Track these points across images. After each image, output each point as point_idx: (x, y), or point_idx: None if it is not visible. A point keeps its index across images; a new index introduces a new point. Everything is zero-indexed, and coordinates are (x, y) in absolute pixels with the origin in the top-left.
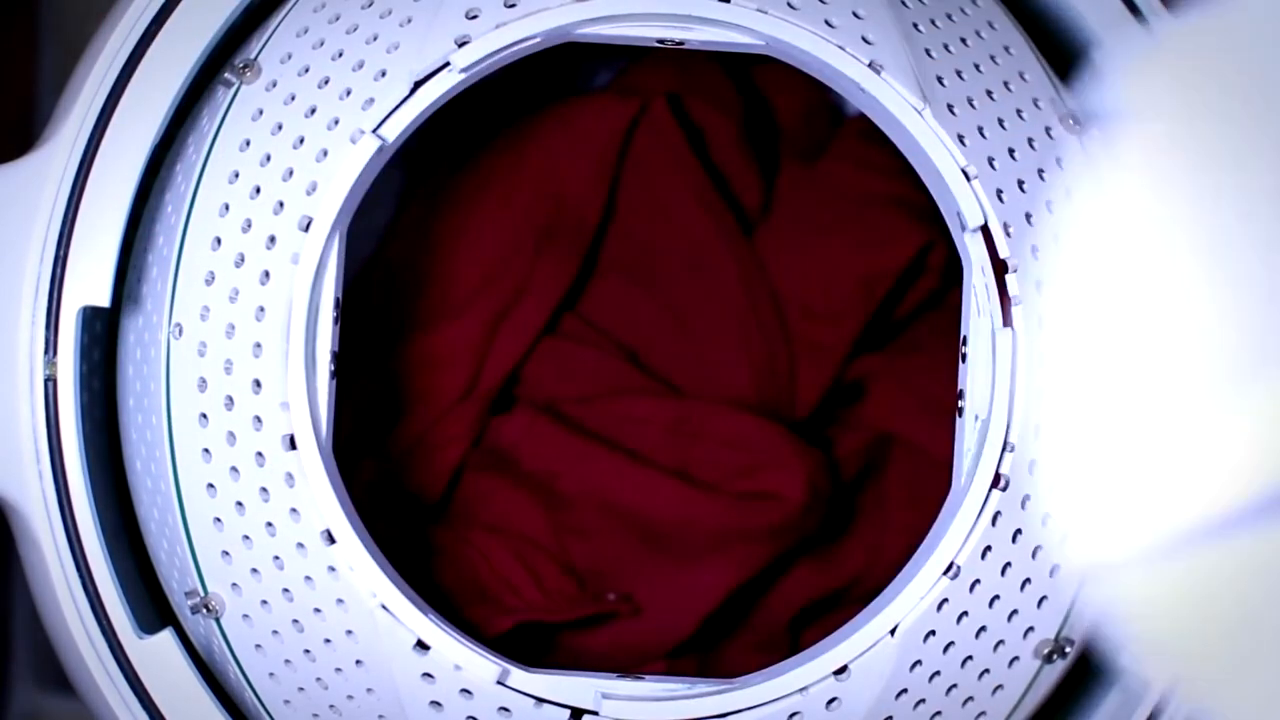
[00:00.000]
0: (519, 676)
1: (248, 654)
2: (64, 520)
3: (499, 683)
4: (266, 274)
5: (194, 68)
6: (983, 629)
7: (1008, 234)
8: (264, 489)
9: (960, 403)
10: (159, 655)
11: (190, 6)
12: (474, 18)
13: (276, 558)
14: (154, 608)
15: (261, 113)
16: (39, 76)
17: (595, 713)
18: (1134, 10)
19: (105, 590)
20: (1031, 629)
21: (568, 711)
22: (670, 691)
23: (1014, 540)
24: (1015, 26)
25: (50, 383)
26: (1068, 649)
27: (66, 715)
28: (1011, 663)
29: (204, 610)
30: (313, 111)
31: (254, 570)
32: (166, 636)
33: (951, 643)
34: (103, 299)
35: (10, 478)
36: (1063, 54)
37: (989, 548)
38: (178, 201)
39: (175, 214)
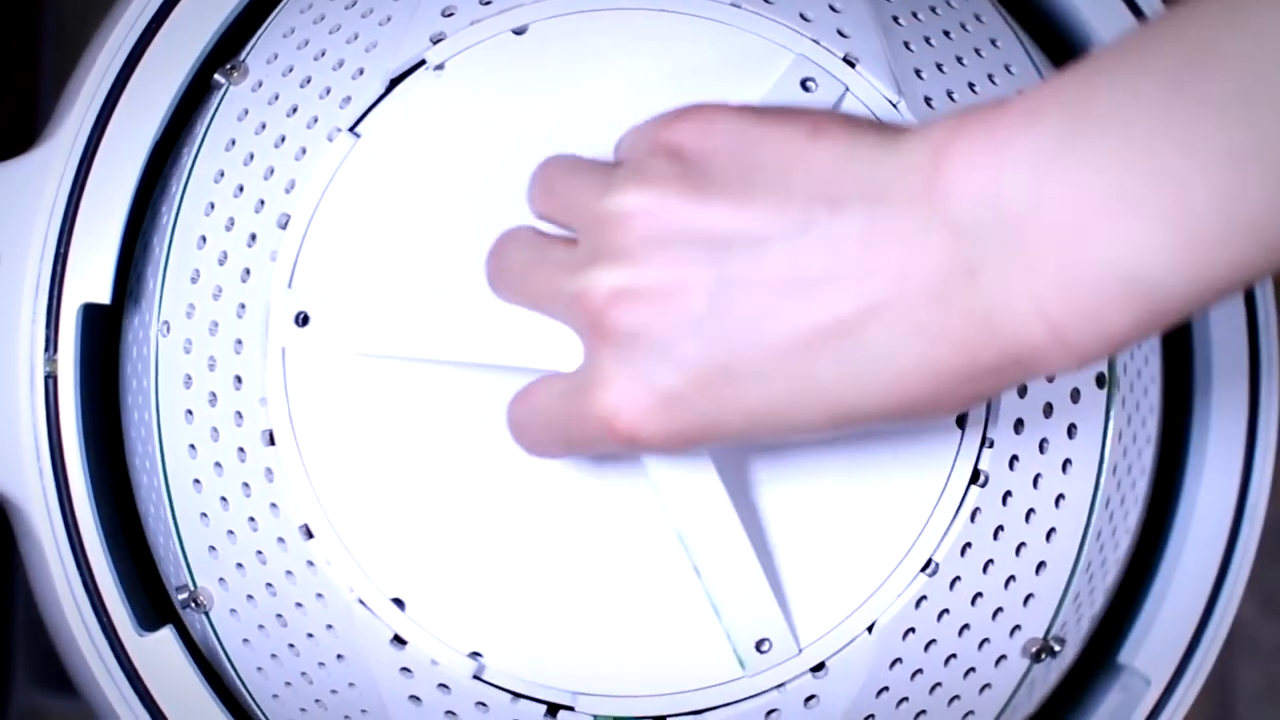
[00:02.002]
0: (495, 671)
1: (236, 648)
2: (64, 518)
3: (475, 677)
4: (247, 271)
5: (193, 67)
6: (965, 627)
7: None
8: (245, 484)
9: None
10: (159, 653)
11: (189, 6)
12: (450, 15)
13: (259, 552)
14: (154, 605)
15: (247, 112)
16: (39, 76)
17: (571, 708)
18: (1136, 10)
19: (105, 588)
20: (1018, 627)
21: (544, 706)
22: (648, 687)
23: (995, 537)
24: (1004, 20)
25: (51, 380)
26: (1058, 648)
27: (66, 714)
28: (998, 661)
29: (193, 605)
30: (294, 110)
31: (239, 565)
32: (166, 634)
33: (933, 640)
34: (103, 296)
35: (10, 475)
36: (1065, 52)
37: (969, 544)
38: (168, 200)
39: (166, 212)
